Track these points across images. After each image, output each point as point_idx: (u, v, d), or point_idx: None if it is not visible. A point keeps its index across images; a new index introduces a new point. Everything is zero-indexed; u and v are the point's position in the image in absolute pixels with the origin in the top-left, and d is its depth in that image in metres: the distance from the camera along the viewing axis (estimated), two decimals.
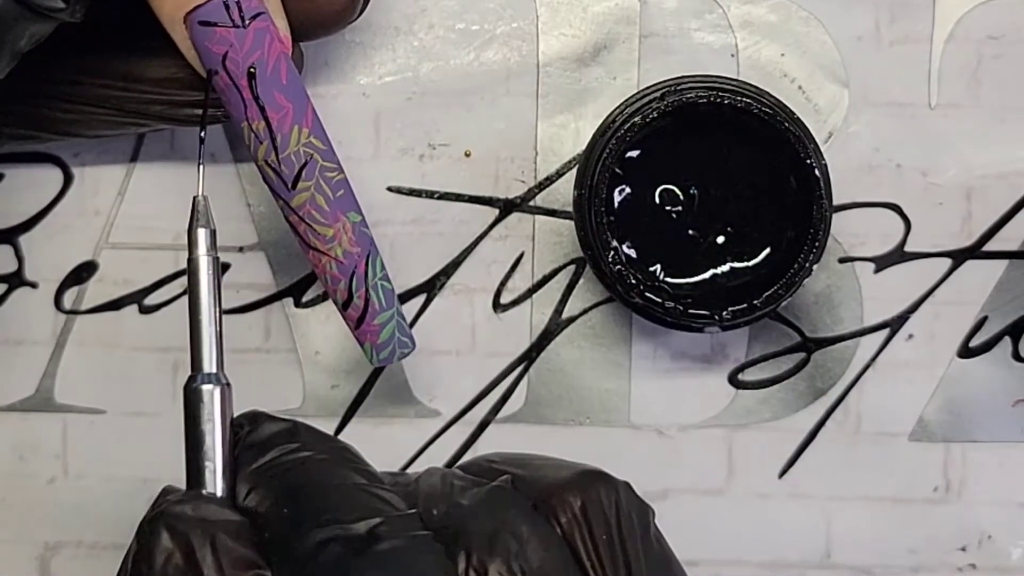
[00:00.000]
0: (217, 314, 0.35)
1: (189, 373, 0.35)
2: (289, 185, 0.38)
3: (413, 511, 0.32)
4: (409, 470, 0.45)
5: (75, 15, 0.36)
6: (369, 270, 0.39)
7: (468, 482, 0.34)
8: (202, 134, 0.38)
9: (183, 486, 0.34)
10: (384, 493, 0.33)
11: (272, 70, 0.38)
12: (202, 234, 0.35)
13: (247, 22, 0.37)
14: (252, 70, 0.37)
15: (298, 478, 0.33)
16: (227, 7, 0.37)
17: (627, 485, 0.33)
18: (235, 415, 0.35)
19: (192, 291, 0.35)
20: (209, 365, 0.35)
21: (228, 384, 0.35)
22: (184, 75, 0.40)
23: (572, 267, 0.45)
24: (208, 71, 0.37)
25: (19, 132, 0.42)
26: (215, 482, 0.34)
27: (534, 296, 0.45)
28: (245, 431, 0.35)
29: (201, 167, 0.37)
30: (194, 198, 0.36)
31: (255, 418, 0.35)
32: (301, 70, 0.41)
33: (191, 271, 0.35)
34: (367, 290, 0.39)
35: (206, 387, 0.34)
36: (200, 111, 0.40)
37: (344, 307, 0.39)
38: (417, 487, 0.34)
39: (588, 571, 0.32)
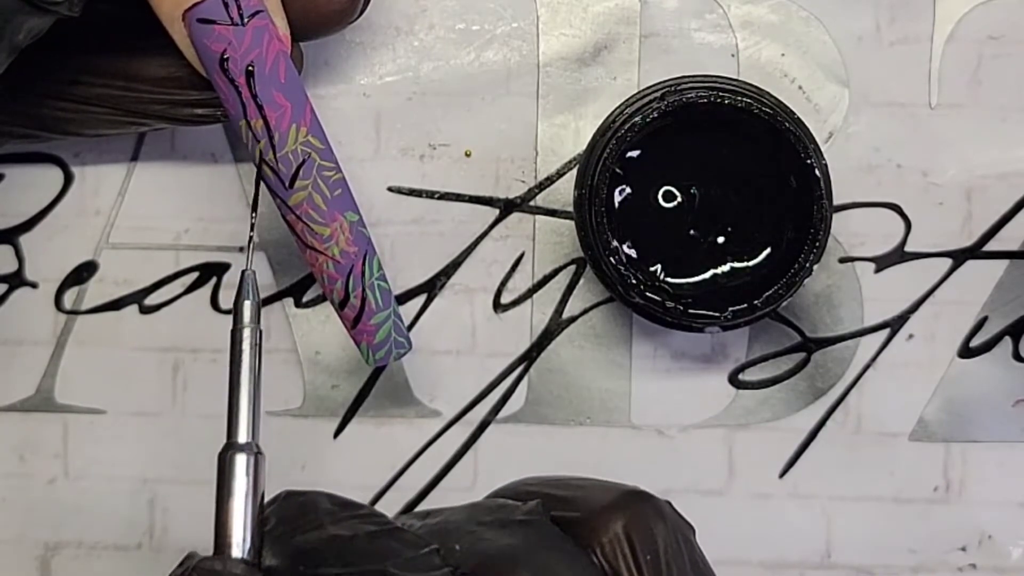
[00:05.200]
0: (256, 385, 0.36)
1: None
2: (286, 184, 0.38)
3: (429, 549, 0.33)
4: (409, 470, 0.45)
5: (73, 9, 0.36)
6: (366, 270, 0.39)
7: (495, 515, 0.34)
8: (253, 220, 0.38)
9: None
10: (400, 535, 0.33)
11: (271, 69, 0.37)
12: (247, 306, 0.36)
13: (246, 20, 0.37)
14: (250, 68, 0.37)
15: (313, 538, 0.33)
16: (226, 5, 0.37)
17: (669, 504, 0.33)
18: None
19: (233, 361, 0.36)
20: (245, 435, 0.35)
21: (261, 453, 0.35)
22: (184, 74, 0.40)
23: (572, 267, 0.45)
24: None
25: (19, 132, 0.42)
26: (242, 549, 0.34)
27: (534, 296, 0.45)
28: (271, 507, 0.35)
29: (252, 245, 0.38)
30: (243, 272, 0.37)
31: (278, 495, 0.35)
32: (301, 70, 0.41)
33: (234, 341, 0.36)
34: (364, 290, 0.39)
35: (239, 456, 0.35)
36: (200, 111, 0.40)
37: (340, 307, 0.39)
38: (441, 524, 0.34)
39: None
